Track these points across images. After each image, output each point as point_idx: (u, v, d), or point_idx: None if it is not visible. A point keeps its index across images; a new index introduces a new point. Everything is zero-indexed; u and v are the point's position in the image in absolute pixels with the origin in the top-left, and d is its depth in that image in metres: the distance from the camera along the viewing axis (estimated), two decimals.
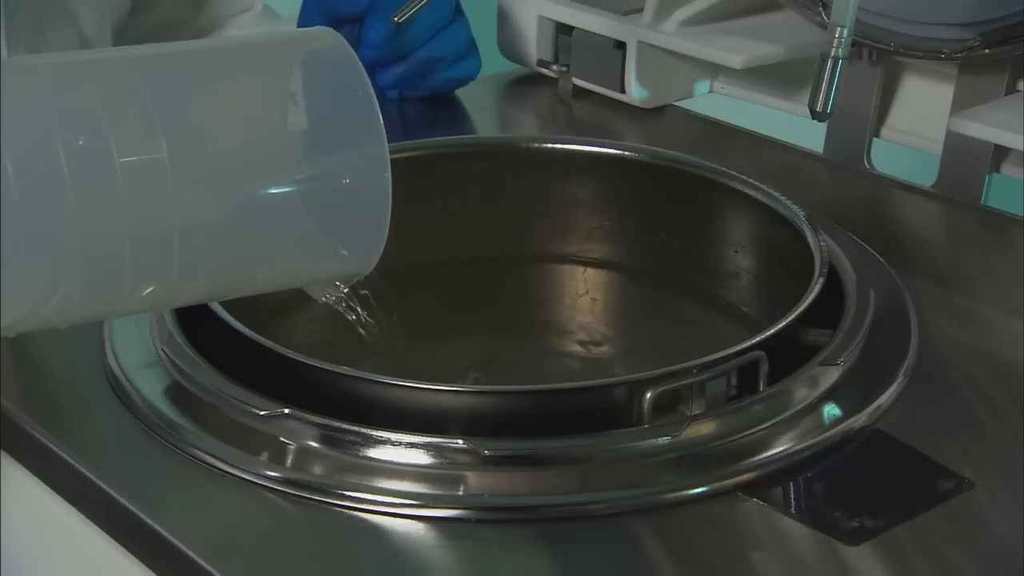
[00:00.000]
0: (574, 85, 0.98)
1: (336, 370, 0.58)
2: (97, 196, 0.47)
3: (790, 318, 0.62)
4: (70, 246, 0.46)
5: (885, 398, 0.61)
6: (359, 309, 0.62)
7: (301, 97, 0.52)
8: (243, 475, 0.56)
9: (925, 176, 0.85)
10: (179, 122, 0.49)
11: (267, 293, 0.57)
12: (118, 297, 0.49)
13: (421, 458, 0.55)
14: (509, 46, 1.01)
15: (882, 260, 0.73)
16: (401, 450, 0.55)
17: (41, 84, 0.47)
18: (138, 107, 0.48)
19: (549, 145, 0.81)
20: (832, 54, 0.70)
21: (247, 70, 0.53)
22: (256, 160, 0.51)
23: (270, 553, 0.54)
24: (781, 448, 0.57)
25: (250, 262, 0.53)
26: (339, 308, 0.61)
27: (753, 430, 0.57)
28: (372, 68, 0.91)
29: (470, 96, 0.97)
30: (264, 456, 0.57)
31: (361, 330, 0.63)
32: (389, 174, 0.53)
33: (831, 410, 0.60)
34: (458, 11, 0.94)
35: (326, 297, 0.59)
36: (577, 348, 0.76)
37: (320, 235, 0.53)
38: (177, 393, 0.60)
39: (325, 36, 0.54)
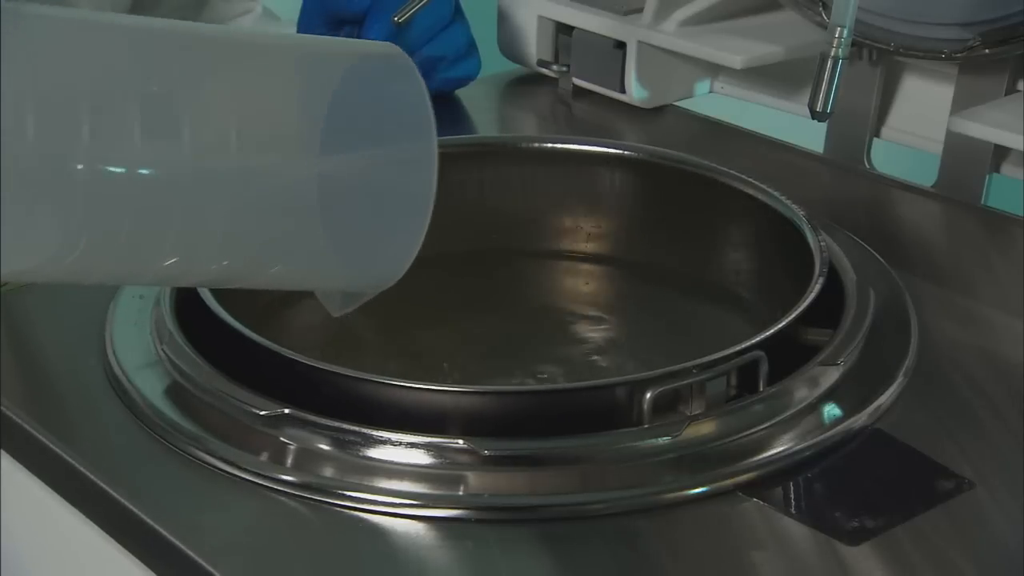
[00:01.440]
0: (574, 85, 0.98)
1: (336, 371, 0.58)
2: (156, 157, 0.46)
3: (790, 318, 0.62)
4: (119, 195, 0.46)
5: (885, 398, 0.61)
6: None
7: (353, 99, 0.52)
8: (243, 475, 0.56)
9: (925, 176, 0.85)
10: (233, 103, 0.49)
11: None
12: (141, 260, 0.49)
13: (421, 458, 0.55)
14: (509, 46, 1.01)
15: (882, 260, 0.73)
16: (401, 450, 0.55)
17: (103, 39, 0.47)
18: (191, 84, 0.48)
19: (549, 145, 0.81)
20: (832, 54, 0.70)
21: (300, 66, 0.53)
22: (293, 156, 0.51)
23: (270, 553, 0.54)
24: (781, 448, 0.57)
25: (273, 253, 0.52)
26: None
27: (753, 430, 0.57)
28: None
29: (470, 96, 0.97)
30: (264, 456, 0.57)
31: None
32: (433, 196, 0.53)
33: (831, 410, 0.60)
34: (458, 11, 0.94)
35: (343, 312, 0.58)
36: (576, 346, 0.76)
37: (345, 241, 0.53)
38: (177, 393, 0.60)
39: (387, 48, 0.54)
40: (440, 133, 0.88)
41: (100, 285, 0.66)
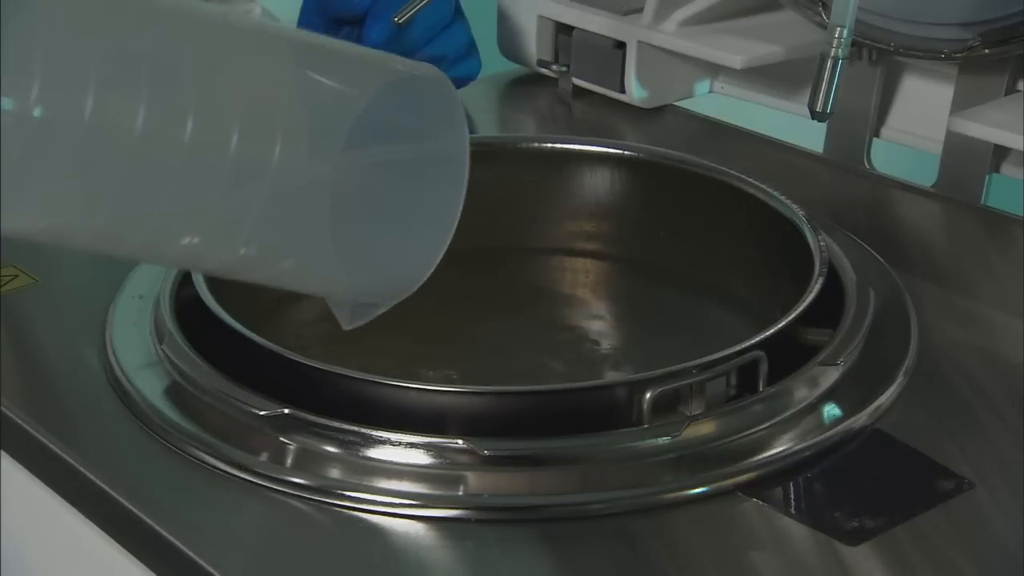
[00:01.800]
0: (574, 85, 0.98)
1: (336, 371, 0.58)
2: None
3: (790, 318, 0.62)
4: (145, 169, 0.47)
5: (885, 398, 0.61)
6: None
7: (391, 111, 0.52)
8: (243, 475, 0.56)
9: (925, 176, 0.85)
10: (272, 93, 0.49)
11: (266, 288, 0.56)
12: (162, 233, 0.49)
13: (421, 458, 0.55)
14: (509, 46, 1.01)
15: (882, 260, 0.73)
16: (401, 450, 0.55)
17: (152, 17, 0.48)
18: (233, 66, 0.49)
19: (549, 145, 0.81)
20: (832, 54, 0.70)
21: (342, 69, 0.53)
22: (317, 153, 0.51)
23: (270, 553, 0.54)
24: (781, 448, 0.57)
25: (286, 247, 0.52)
26: None
27: (753, 430, 0.57)
28: None
29: (470, 96, 0.97)
30: (264, 456, 0.57)
31: None
32: (457, 216, 0.53)
33: (831, 410, 0.60)
34: (458, 11, 0.94)
35: (353, 326, 0.58)
36: (575, 346, 0.76)
37: (361, 248, 0.53)
38: (177, 393, 0.60)
39: (430, 71, 0.54)
40: None
41: (118, 258, 0.66)
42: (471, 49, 0.95)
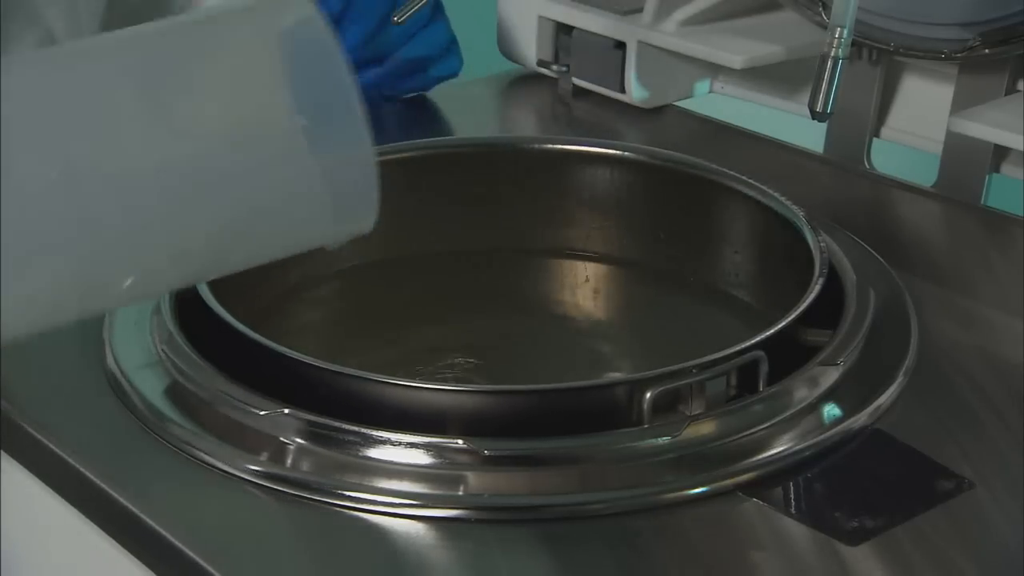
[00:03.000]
0: (574, 85, 0.98)
1: (336, 370, 0.58)
2: (91, 196, 0.46)
3: (790, 318, 0.62)
4: (69, 246, 0.46)
5: (885, 398, 0.61)
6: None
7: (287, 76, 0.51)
8: (243, 475, 0.56)
9: (925, 176, 0.85)
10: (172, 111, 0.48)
11: (266, 289, 0.55)
12: (106, 290, 0.49)
13: (421, 458, 0.55)
14: (509, 46, 1.01)
15: (882, 260, 0.73)
16: (401, 450, 0.55)
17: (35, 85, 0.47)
18: (130, 104, 0.47)
19: (549, 145, 0.81)
20: (832, 54, 0.70)
21: (226, 49, 0.51)
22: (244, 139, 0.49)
23: (269, 553, 0.54)
24: (781, 448, 0.57)
25: (232, 243, 0.51)
26: None
27: (753, 430, 0.57)
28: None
29: (470, 96, 0.97)
30: (264, 456, 0.57)
31: None
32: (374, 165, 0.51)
33: (831, 410, 0.60)
34: (437, 10, 0.94)
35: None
36: (575, 346, 0.76)
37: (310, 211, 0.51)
38: (177, 393, 0.60)
39: (300, 6, 0.52)
40: (440, 133, 0.88)
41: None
42: (452, 47, 0.95)
